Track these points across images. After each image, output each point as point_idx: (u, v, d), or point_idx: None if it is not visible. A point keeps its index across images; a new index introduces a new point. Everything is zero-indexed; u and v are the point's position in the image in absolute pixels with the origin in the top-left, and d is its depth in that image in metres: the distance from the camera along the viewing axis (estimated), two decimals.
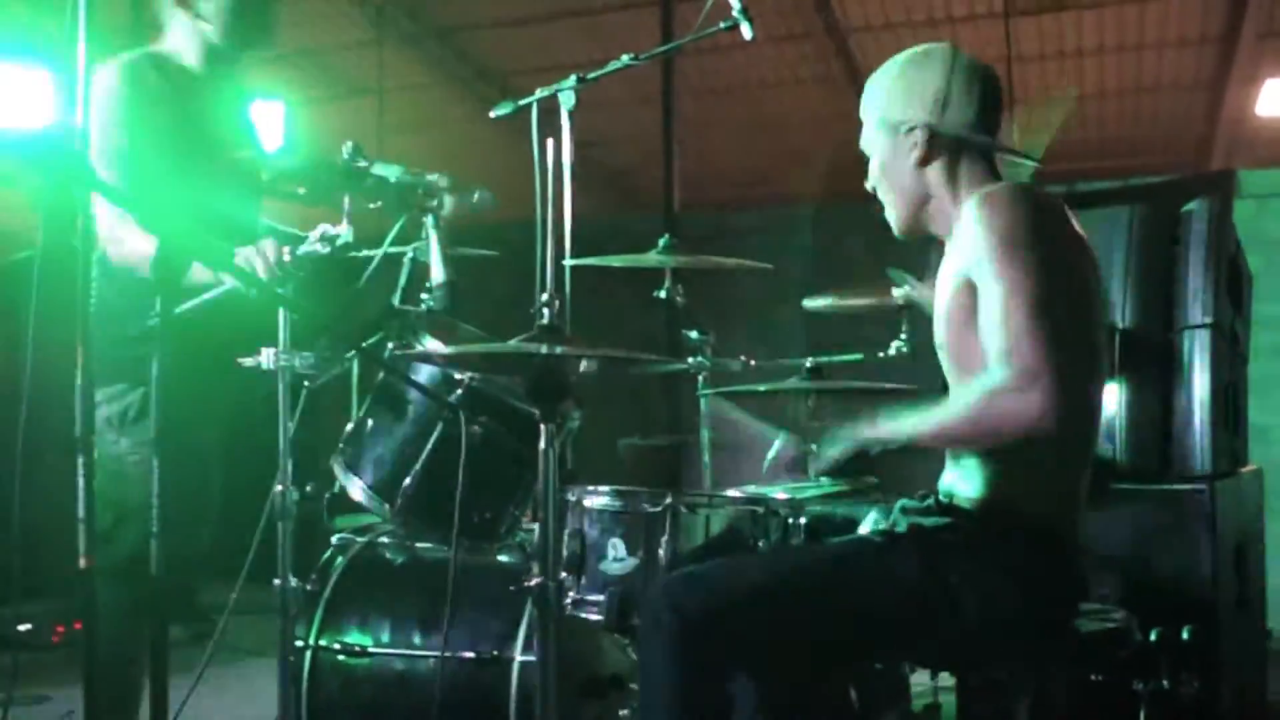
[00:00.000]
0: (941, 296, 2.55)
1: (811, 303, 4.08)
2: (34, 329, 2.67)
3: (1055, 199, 2.51)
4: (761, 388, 3.77)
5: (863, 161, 2.74)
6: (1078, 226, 2.50)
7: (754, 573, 2.55)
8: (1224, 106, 8.15)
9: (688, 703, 2.35)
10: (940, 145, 2.58)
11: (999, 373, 2.28)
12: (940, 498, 2.55)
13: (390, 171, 3.14)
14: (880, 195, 2.70)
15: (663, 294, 3.70)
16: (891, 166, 2.64)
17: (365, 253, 3.18)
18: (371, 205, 3.16)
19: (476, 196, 3.28)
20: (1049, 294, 2.31)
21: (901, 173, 2.63)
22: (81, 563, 2.33)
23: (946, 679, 4.09)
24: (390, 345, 3.12)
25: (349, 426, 3.22)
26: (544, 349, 2.42)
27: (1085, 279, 2.47)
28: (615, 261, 3.60)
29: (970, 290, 2.41)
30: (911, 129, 2.58)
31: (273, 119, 6.02)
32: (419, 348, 3.04)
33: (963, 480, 2.51)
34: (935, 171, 2.60)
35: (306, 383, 2.98)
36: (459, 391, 3.02)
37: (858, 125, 2.73)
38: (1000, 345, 2.30)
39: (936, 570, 2.39)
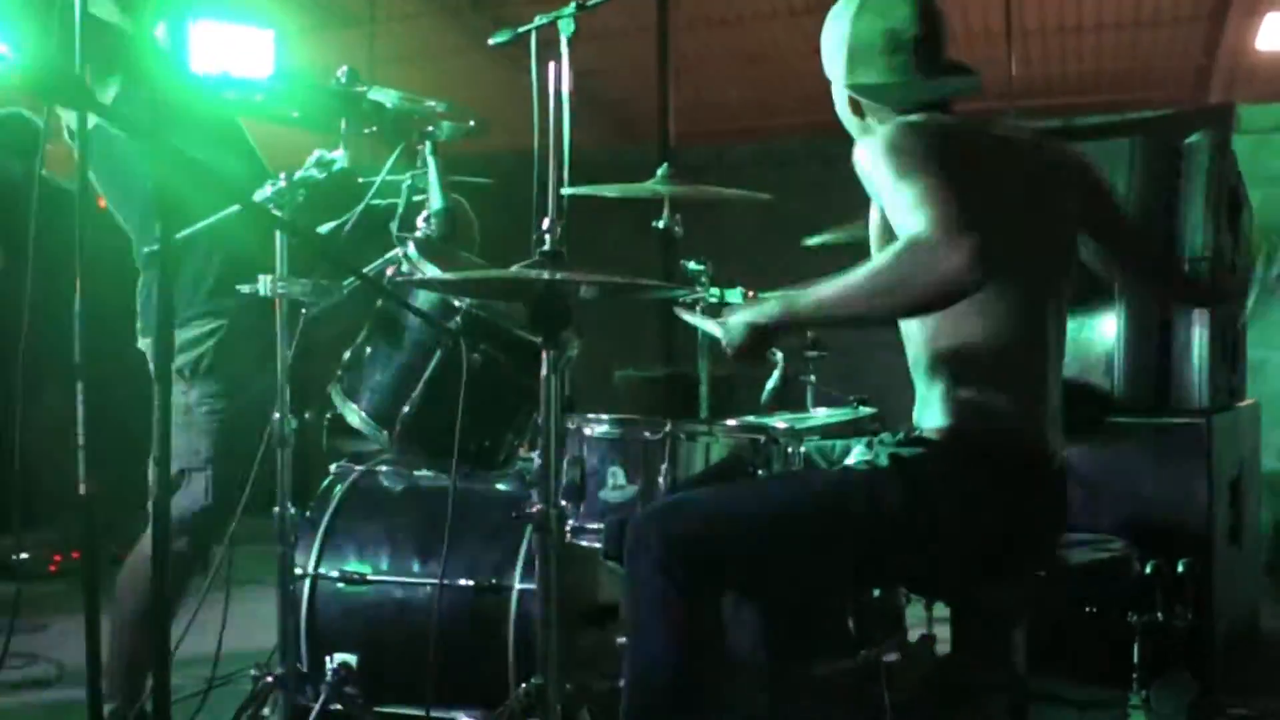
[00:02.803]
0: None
1: (812, 240, 4.06)
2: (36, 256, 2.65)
3: (954, 126, 2.54)
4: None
5: None
6: (999, 151, 2.56)
7: (740, 501, 2.57)
8: (1223, 40, 8.11)
9: (676, 627, 2.36)
10: (865, 96, 2.64)
11: (917, 226, 2.18)
12: (912, 430, 2.56)
13: (387, 97, 3.10)
14: None
15: (661, 224, 3.67)
16: (845, 118, 2.74)
17: (363, 180, 3.15)
18: (367, 130, 3.12)
19: (473, 122, 3.25)
20: (928, 171, 2.26)
21: (848, 120, 2.72)
22: (80, 489, 2.31)
23: (942, 610, 4.12)
24: (389, 272, 3.11)
25: (347, 354, 3.21)
26: (547, 275, 2.40)
27: (991, 203, 2.35)
28: (612, 191, 3.57)
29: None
30: (842, 86, 2.67)
31: (263, 48, 5.93)
32: (419, 274, 3.02)
33: (926, 411, 2.52)
34: (873, 121, 2.64)
35: (304, 310, 2.96)
36: (457, 318, 3.01)
37: None
38: (912, 213, 2.21)
39: (919, 498, 2.42)
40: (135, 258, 3.43)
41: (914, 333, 2.51)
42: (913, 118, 2.50)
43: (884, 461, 2.48)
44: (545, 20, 3.40)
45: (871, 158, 2.36)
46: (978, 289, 2.16)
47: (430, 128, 3.13)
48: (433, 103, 3.16)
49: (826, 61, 2.72)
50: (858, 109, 2.66)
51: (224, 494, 3.30)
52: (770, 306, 2.43)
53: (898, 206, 2.25)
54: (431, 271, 2.98)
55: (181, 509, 3.25)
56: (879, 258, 2.27)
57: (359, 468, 3.54)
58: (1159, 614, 3.54)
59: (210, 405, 3.30)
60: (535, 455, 2.67)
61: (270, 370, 2.96)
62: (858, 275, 2.24)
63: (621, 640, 3.01)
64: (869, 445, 2.62)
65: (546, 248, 2.49)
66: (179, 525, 3.22)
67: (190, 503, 3.30)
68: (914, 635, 3.97)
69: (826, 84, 2.77)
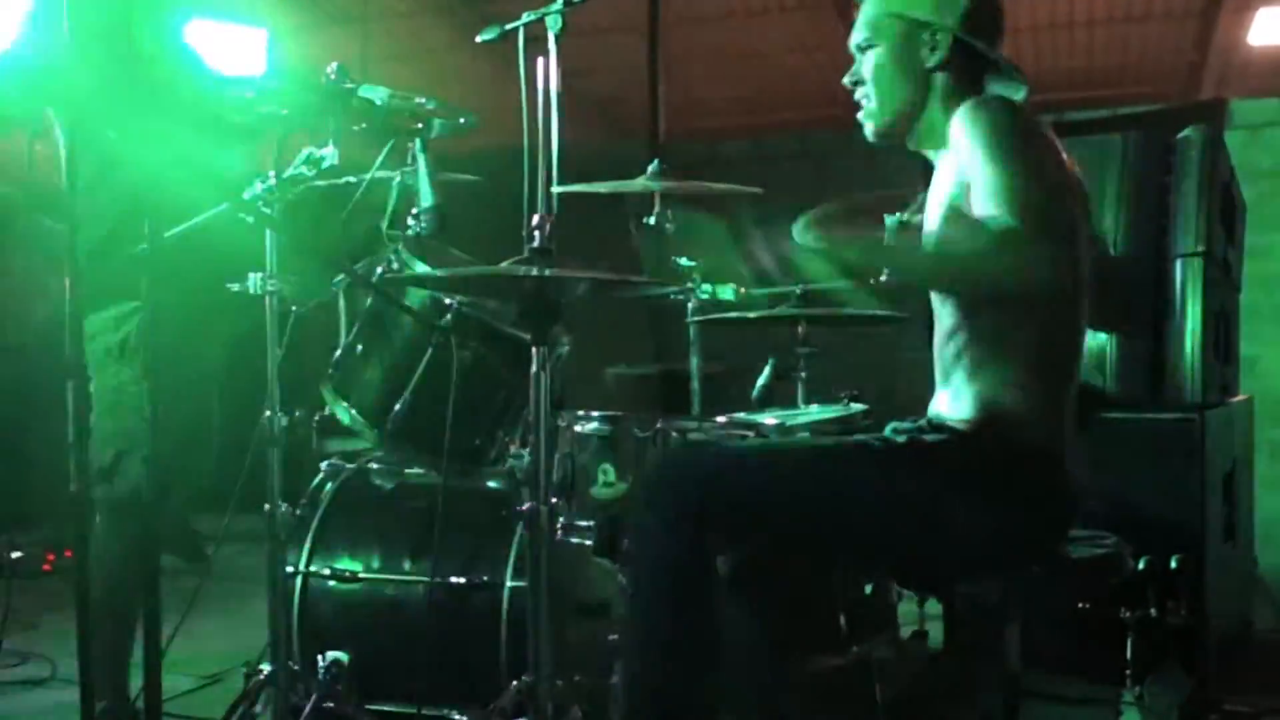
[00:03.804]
0: (934, 215, 2.53)
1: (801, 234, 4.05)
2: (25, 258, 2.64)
3: (1040, 121, 2.50)
4: (751, 314, 3.75)
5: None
6: (1060, 147, 2.48)
7: (751, 452, 2.56)
8: (1216, 35, 8.10)
9: (677, 585, 2.33)
10: (957, 55, 2.55)
11: (1011, 220, 2.24)
12: (930, 420, 2.54)
13: (377, 94, 3.09)
14: (861, 92, 2.65)
15: (651, 221, 3.67)
16: (896, 64, 2.59)
17: (353, 178, 3.14)
18: (356, 127, 3.10)
19: (463, 120, 3.23)
20: (1040, 173, 2.33)
21: (906, 73, 2.58)
22: (72, 488, 2.31)
23: (934, 607, 4.12)
24: (379, 269, 3.09)
25: (338, 351, 3.20)
26: (536, 271, 2.39)
27: (1067, 196, 2.44)
28: (603, 188, 3.57)
29: (966, 199, 2.39)
30: (936, 32, 2.54)
31: (256, 46, 5.92)
32: (408, 272, 3.01)
33: (952, 401, 2.50)
34: (943, 80, 2.57)
35: (295, 307, 2.96)
36: (448, 316, 3.00)
37: (844, 52, 2.69)
38: (1007, 201, 2.26)
39: (931, 484, 2.40)
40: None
41: (963, 323, 2.49)
42: (1004, 99, 2.50)
43: (902, 440, 2.47)
44: (532, 17, 3.39)
45: (967, 130, 2.38)
46: (1048, 294, 2.34)
47: (419, 124, 3.12)
48: (422, 100, 3.15)
49: (931, 3, 2.55)
50: (946, 62, 2.55)
51: (160, 473, 3.27)
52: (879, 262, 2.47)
53: (990, 189, 2.30)
54: (421, 269, 2.98)
55: (123, 491, 3.22)
56: (969, 243, 2.36)
57: (350, 465, 3.53)
58: (1152, 610, 3.54)
59: (142, 385, 3.23)
60: (526, 452, 2.67)
61: (196, 353, 2.93)
62: (953, 253, 2.41)
63: (613, 638, 3.01)
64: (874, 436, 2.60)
65: (536, 244, 2.49)
66: (126, 508, 3.19)
67: (129, 486, 3.24)
68: (906, 632, 3.98)
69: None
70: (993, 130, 2.36)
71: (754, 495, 2.42)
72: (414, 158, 3.15)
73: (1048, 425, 2.48)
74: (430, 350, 3.02)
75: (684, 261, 3.79)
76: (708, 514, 2.35)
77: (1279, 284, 7.24)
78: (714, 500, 2.36)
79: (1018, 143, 2.35)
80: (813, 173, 8.06)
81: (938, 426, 2.49)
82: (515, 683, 2.77)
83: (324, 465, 3.57)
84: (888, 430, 2.58)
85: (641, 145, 6.59)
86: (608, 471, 2.80)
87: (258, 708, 2.98)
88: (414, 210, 3.17)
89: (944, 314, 2.55)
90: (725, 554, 2.45)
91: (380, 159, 3.13)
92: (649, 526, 2.37)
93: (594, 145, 7.60)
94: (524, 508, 2.52)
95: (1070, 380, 2.53)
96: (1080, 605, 3.73)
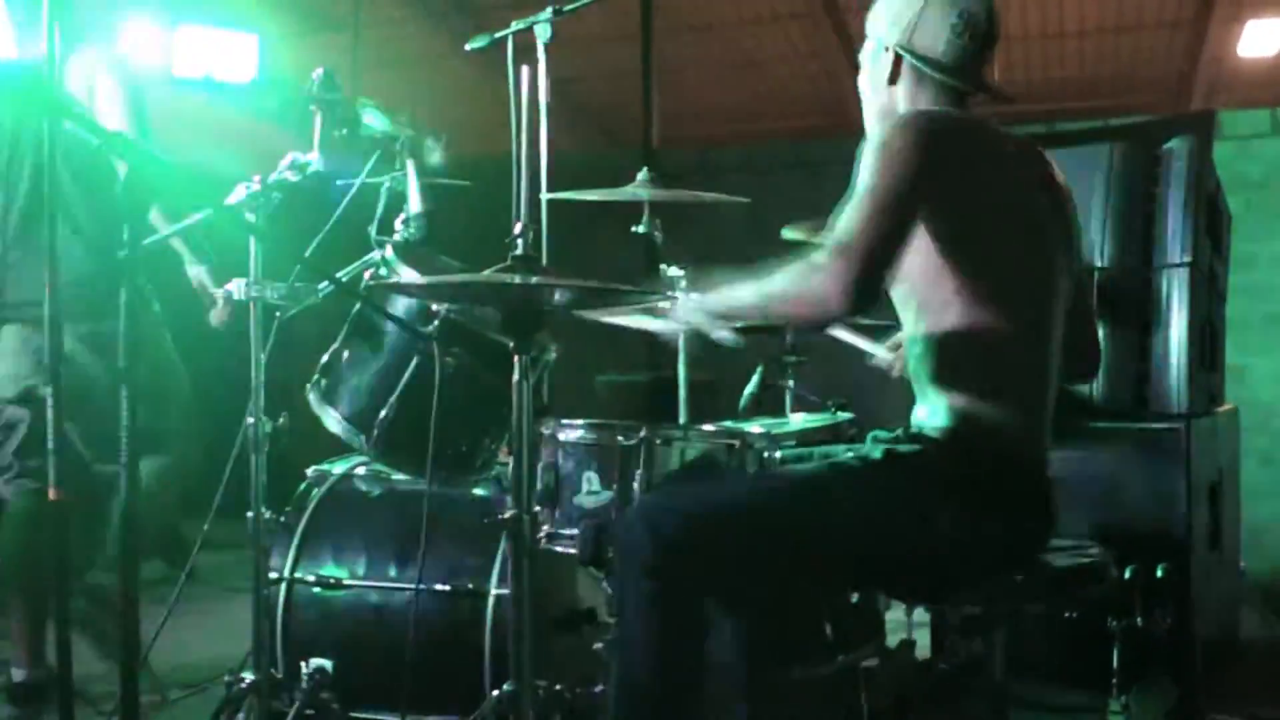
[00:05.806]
0: None
1: (790, 233, 4.05)
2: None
3: (970, 124, 2.60)
4: (739, 324, 3.75)
5: (841, 97, 2.76)
6: (1028, 158, 2.56)
7: (731, 495, 2.57)
8: (1205, 46, 8.12)
9: (664, 627, 2.36)
10: (907, 68, 2.65)
11: (826, 240, 2.35)
12: (910, 430, 2.55)
13: (377, 120, 3.07)
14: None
15: (641, 229, 3.66)
16: (870, 80, 2.74)
17: (341, 182, 3.13)
18: (338, 133, 3.08)
19: (449, 148, 3.23)
20: (887, 188, 2.37)
21: (875, 87, 2.72)
22: (50, 494, 2.30)
23: (921, 615, 4.11)
24: (365, 276, 3.09)
25: (324, 358, 3.19)
26: (519, 279, 2.39)
27: (996, 200, 2.51)
28: (593, 195, 3.56)
29: None
30: (888, 48, 2.65)
31: (247, 51, 5.94)
32: (395, 278, 3.01)
33: (929, 413, 2.51)
34: (902, 91, 2.66)
35: (278, 314, 2.95)
36: (434, 323, 2.99)
37: (837, 61, 2.75)
38: (836, 225, 2.37)
39: (910, 498, 2.42)
40: None
41: (924, 334, 2.51)
42: (933, 110, 2.59)
43: (878, 455, 2.48)
44: (522, 25, 3.39)
45: (866, 147, 2.46)
46: (849, 316, 2.45)
47: (409, 154, 3.12)
48: (413, 131, 3.14)
49: (880, 19, 2.70)
50: (894, 76, 2.66)
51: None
52: (696, 317, 2.66)
53: (844, 209, 2.39)
54: (408, 275, 2.97)
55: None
56: (787, 268, 2.40)
57: (336, 471, 3.53)
58: (1138, 619, 3.54)
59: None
60: (511, 459, 2.66)
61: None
62: (763, 283, 2.44)
63: (598, 646, 3.00)
64: (853, 449, 2.61)
65: (519, 252, 2.48)
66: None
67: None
68: (893, 640, 3.97)
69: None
70: (874, 148, 2.44)
71: (740, 546, 2.44)
72: (404, 163, 3.15)
73: (1026, 432, 2.50)
74: (416, 357, 3.01)
75: (672, 270, 3.79)
76: (691, 572, 2.38)
77: (1265, 294, 7.27)
78: (701, 560, 2.39)
79: (883, 164, 2.41)
80: (805, 181, 8.07)
81: (915, 436, 2.51)
82: (498, 691, 2.76)
83: (309, 471, 3.56)
84: (869, 439, 2.59)
85: (635, 153, 6.59)
86: (592, 480, 2.79)
87: (240, 716, 2.97)
88: (403, 216, 3.17)
89: (904, 323, 2.57)
90: (712, 593, 2.47)
91: (369, 166, 3.13)
92: (632, 584, 2.40)
93: (587, 153, 7.61)
94: (506, 515, 2.52)
95: (1045, 383, 2.54)
96: (1066, 614, 3.72)
